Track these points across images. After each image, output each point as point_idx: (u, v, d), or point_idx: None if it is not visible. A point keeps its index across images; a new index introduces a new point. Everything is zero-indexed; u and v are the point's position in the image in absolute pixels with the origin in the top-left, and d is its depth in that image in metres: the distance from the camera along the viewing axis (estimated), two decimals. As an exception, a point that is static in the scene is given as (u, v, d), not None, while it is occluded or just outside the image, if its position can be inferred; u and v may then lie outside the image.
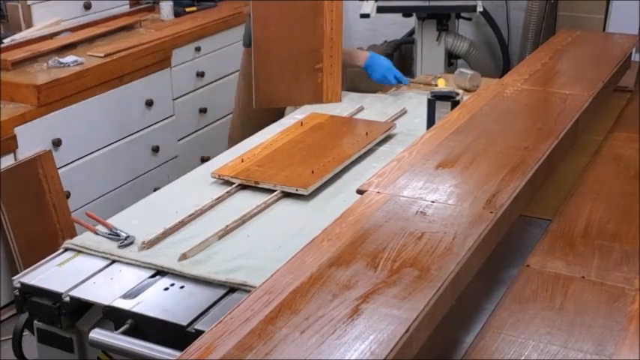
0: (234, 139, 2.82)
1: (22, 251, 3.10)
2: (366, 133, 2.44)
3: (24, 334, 1.81)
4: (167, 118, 3.90)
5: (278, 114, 2.84)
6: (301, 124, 2.53)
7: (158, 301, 1.65)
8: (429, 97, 2.40)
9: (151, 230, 1.89)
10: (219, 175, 2.17)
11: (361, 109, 2.76)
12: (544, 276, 1.51)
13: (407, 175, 1.74)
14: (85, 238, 1.91)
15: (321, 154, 2.29)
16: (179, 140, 3.97)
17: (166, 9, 4.20)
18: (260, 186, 2.11)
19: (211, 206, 2.03)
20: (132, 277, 1.75)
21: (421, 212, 1.56)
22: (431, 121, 2.37)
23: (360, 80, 2.95)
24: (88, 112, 3.42)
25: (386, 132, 2.47)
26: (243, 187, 2.13)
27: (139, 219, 1.99)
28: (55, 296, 1.71)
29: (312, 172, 2.15)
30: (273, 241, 1.86)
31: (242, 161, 2.24)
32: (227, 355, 1.14)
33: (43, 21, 3.76)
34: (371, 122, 2.59)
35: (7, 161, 3.08)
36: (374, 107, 2.78)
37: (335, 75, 2.82)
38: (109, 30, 3.89)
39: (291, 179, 2.12)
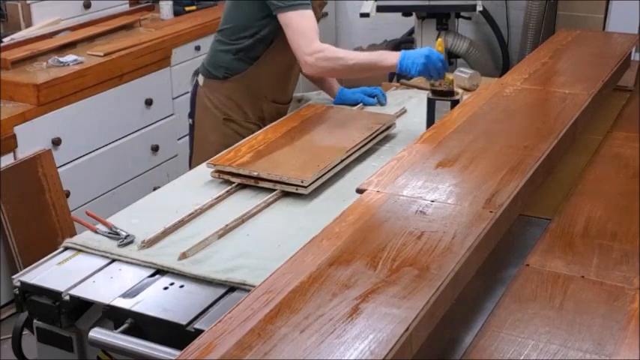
0: None
1: (22, 250, 3.10)
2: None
3: (24, 333, 1.80)
4: (167, 117, 3.90)
5: None
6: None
7: (158, 300, 1.65)
8: (429, 96, 2.40)
9: (150, 229, 1.89)
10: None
11: (361, 107, 2.76)
12: (544, 275, 1.51)
13: (406, 175, 1.74)
14: (84, 237, 1.91)
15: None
16: (179, 139, 3.97)
17: (166, 8, 4.20)
18: (260, 185, 2.10)
19: (211, 205, 2.03)
20: (132, 276, 1.75)
21: (421, 211, 1.56)
22: (431, 121, 2.37)
23: (360, 79, 2.95)
24: (88, 111, 3.42)
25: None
26: (242, 186, 2.13)
27: (138, 218, 1.99)
28: (54, 295, 1.70)
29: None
30: (272, 240, 1.86)
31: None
32: (226, 354, 1.14)
33: (43, 20, 3.76)
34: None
35: (7, 160, 3.08)
36: (374, 106, 2.77)
37: None
38: (108, 29, 3.89)
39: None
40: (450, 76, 2.41)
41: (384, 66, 2.42)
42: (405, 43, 4.97)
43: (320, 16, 2.69)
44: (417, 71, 2.33)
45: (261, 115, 2.67)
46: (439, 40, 2.51)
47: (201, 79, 2.68)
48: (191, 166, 2.74)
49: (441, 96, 2.39)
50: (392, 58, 2.38)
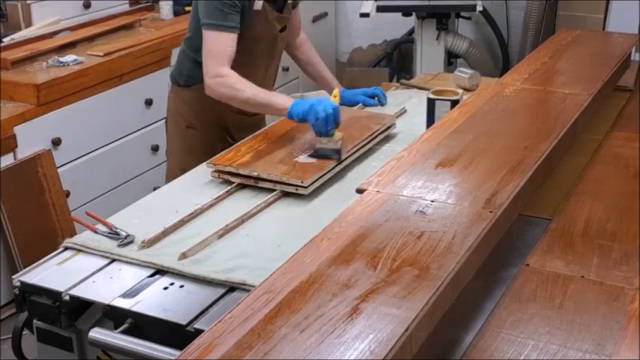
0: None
1: (22, 250, 3.11)
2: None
3: (23, 333, 1.81)
4: (167, 117, 3.89)
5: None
6: None
7: (158, 300, 1.65)
8: (429, 96, 2.40)
9: (150, 229, 1.89)
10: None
11: (361, 107, 2.76)
12: (543, 275, 1.51)
13: (406, 175, 1.74)
14: (84, 237, 1.91)
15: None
16: (179, 139, 3.97)
17: (166, 8, 4.20)
18: (260, 185, 2.10)
19: (211, 205, 2.03)
20: (131, 276, 1.75)
21: (421, 211, 1.56)
22: (430, 121, 2.37)
23: (359, 80, 2.95)
24: (88, 111, 3.42)
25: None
26: (242, 186, 2.13)
27: (138, 218, 1.99)
28: (54, 295, 1.70)
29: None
30: (272, 240, 1.86)
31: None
32: (226, 354, 1.14)
33: (43, 20, 3.77)
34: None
35: (7, 160, 3.08)
36: (374, 106, 2.77)
37: None
38: (108, 29, 3.89)
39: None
40: (338, 133, 2.20)
41: (275, 108, 2.33)
42: (405, 43, 4.98)
43: (278, 30, 2.50)
44: (299, 119, 2.24)
45: (225, 125, 2.61)
46: (335, 90, 2.38)
47: (169, 84, 2.68)
48: (167, 169, 2.73)
49: (321, 157, 2.16)
50: (284, 102, 2.29)
